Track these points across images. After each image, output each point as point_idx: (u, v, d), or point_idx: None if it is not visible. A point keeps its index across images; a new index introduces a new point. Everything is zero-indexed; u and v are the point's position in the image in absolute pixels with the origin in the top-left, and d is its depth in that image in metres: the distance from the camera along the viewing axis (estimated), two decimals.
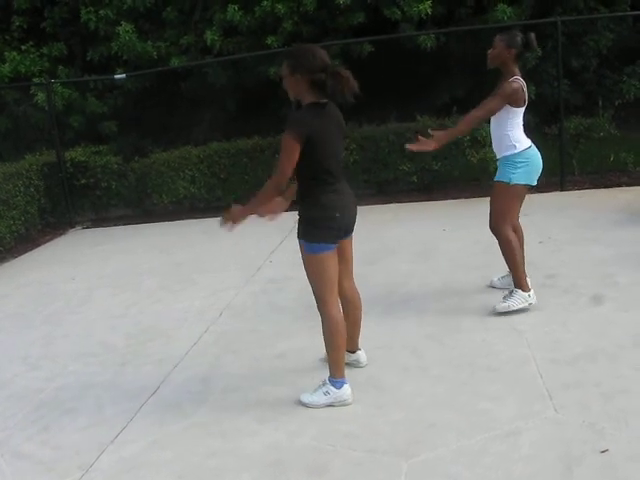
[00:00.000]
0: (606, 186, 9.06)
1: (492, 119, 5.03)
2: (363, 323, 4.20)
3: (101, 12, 11.24)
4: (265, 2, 10.10)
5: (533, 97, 10.03)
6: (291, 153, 3.58)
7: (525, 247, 5.24)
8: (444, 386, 3.93)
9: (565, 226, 7.20)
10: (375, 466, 3.22)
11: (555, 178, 8.88)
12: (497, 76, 4.98)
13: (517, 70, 4.85)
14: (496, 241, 5.09)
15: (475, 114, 4.89)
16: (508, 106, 4.84)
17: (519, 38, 4.82)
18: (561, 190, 8.93)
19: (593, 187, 9.02)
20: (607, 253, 6.11)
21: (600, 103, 10.85)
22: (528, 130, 5.05)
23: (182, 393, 4.23)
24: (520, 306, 4.94)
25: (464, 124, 4.95)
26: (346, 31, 10.56)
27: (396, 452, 3.31)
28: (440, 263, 6.36)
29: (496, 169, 5.10)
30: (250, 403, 3.99)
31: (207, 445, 3.57)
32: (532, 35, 4.85)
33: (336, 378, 3.87)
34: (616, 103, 10.81)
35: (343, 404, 3.87)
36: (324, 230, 3.73)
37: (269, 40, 10.19)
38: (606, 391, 3.67)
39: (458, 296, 5.40)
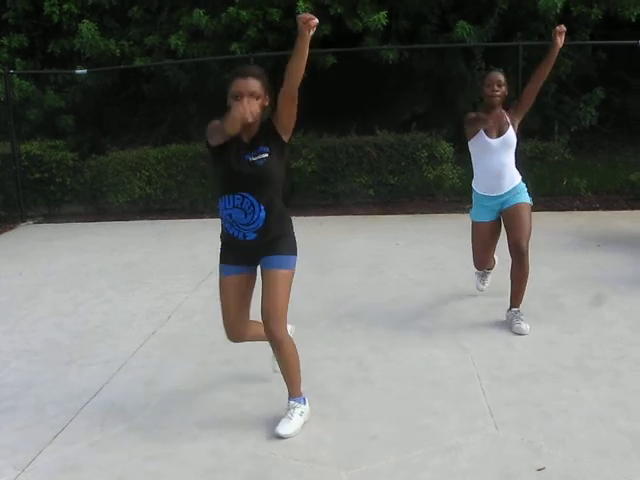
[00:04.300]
0: (559, 209, 9.24)
1: (505, 154, 5.04)
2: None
3: (65, 6, 11.11)
4: (231, 8, 10.10)
5: None
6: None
7: None
8: (388, 399, 3.96)
9: None
10: (315, 476, 3.22)
11: None
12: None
13: None
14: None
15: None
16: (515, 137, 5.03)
17: None
18: None
19: (546, 209, 9.16)
20: (555, 275, 6.22)
21: (556, 128, 11.07)
22: None
23: (125, 395, 4.18)
24: None
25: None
26: (311, 42, 10.58)
27: (336, 463, 3.31)
28: (391, 277, 6.40)
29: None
30: (193, 408, 3.96)
31: (147, 448, 3.53)
32: None
33: (301, 395, 3.73)
34: (572, 129, 11.04)
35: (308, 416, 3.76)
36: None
37: (233, 47, 10.18)
38: (546, 410, 3.73)
39: (406, 311, 5.44)
